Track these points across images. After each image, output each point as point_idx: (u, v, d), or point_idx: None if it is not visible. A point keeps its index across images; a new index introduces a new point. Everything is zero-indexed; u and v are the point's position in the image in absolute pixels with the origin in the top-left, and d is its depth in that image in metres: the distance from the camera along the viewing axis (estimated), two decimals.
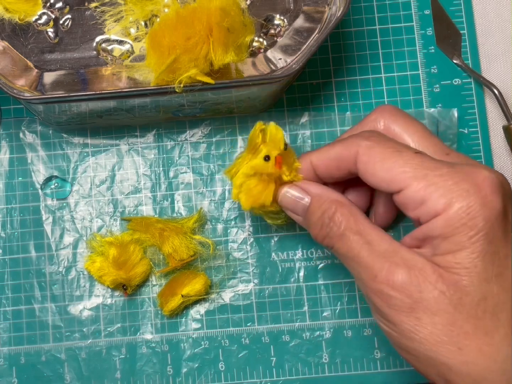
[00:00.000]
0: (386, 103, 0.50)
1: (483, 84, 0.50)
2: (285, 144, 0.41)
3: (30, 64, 0.44)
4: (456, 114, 0.49)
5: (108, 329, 0.48)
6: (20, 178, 0.49)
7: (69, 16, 0.45)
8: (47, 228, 0.49)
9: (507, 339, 0.33)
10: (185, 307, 0.48)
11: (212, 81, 0.40)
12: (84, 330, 0.48)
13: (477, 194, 0.33)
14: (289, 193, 0.41)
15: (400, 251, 0.35)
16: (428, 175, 0.34)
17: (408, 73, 0.51)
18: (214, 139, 0.50)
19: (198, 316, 0.48)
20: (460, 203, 0.33)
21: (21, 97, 0.42)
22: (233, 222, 0.49)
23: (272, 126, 0.41)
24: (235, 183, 0.42)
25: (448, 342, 0.33)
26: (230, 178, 0.43)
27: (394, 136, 0.39)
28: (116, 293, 0.48)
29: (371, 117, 0.41)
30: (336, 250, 0.38)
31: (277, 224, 0.45)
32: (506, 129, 0.49)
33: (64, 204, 0.49)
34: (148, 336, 0.48)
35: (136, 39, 0.45)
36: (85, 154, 0.50)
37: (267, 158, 0.40)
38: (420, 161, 0.35)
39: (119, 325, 0.48)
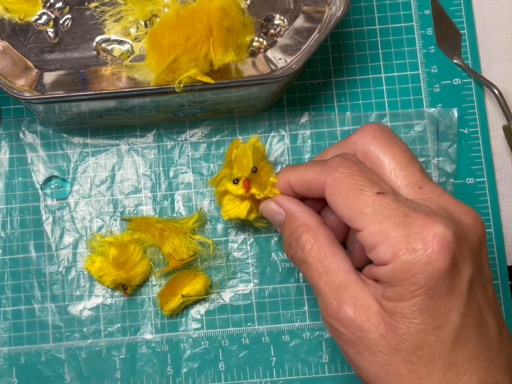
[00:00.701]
0: (386, 103, 0.50)
1: (483, 84, 0.50)
2: (254, 168, 0.43)
3: (30, 64, 0.44)
4: (456, 114, 0.49)
5: (108, 329, 0.48)
6: (20, 178, 0.49)
7: (69, 16, 0.45)
8: (47, 228, 0.49)
9: None
10: (185, 307, 0.48)
11: (212, 81, 0.40)
12: (84, 330, 0.48)
13: (423, 251, 0.33)
14: (268, 205, 0.42)
15: (353, 288, 0.36)
16: (383, 221, 0.35)
17: (408, 73, 0.51)
18: (214, 139, 0.50)
19: (198, 316, 0.48)
20: (405, 257, 0.33)
21: (21, 97, 0.42)
22: (233, 222, 0.49)
23: (240, 150, 0.43)
24: (216, 195, 0.47)
25: (385, 379, 0.35)
26: (214, 187, 0.47)
27: (372, 160, 0.38)
28: (116, 293, 0.48)
29: (353, 139, 0.40)
30: (301, 272, 0.39)
31: (262, 226, 0.47)
32: (506, 129, 0.49)
33: (64, 204, 0.49)
34: (148, 336, 0.48)
35: (136, 39, 0.45)
36: (85, 154, 0.50)
37: (235, 181, 0.43)
38: (378, 205, 0.35)
39: (119, 325, 0.48)
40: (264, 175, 0.43)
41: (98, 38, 0.45)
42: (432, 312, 0.34)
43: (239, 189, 0.43)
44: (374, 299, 0.35)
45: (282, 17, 0.45)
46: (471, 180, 0.50)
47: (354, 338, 0.35)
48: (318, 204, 0.42)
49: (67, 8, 0.45)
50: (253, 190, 0.43)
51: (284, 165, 0.49)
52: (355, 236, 0.39)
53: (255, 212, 0.45)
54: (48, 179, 0.49)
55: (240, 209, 0.44)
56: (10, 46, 0.44)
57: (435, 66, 0.51)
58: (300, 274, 0.48)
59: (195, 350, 0.48)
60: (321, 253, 0.38)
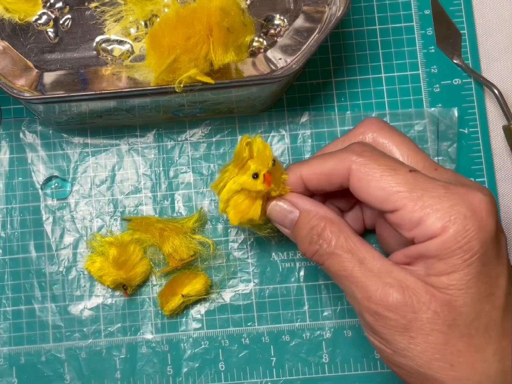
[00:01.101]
0: (386, 103, 0.50)
1: (483, 84, 0.50)
2: (273, 161, 0.40)
3: (30, 64, 0.44)
4: (456, 114, 0.49)
5: (109, 329, 0.48)
6: (20, 178, 0.49)
7: (69, 16, 0.45)
8: (47, 228, 0.49)
9: (498, 355, 0.34)
10: (185, 307, 0.48)
11: (212, 81, 0.40)
12: (85, 330, 0.48)
13: (473, 217, 0.34)
14: (278, 206, 0.41)
15: (393, 271, 0.35)
16: (423, 196, 0.35)
17: (408, 73, 0.51)
18: (214, 139, 0.50)
19: (199, 316, 0.48)
20: (457, 226, 0.34)
21: (21, 97, 0.42)
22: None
23: (259, 142, 0.40)
24: (222, 198, 0.41)
25: (441, 359, 0.34)
26: (217, 193, 0.42)
27: (383, 150, 0.39)
28: (117, 293, 0.48)
29: (359, 130, 0.40)
30: (326, 267, 0.38)
31: (264, 234, 0.45)
32: (506, 129, 0.49)
33: (64, 204, 0.49)
34: (149, 336, 0.48)
35: (136, 39, 0.45)
36: (85, 154, 0.50)
37: (255, 176, 0.40)
38: (415, 181, 0.35)
39: (119, 325, 0.48)
40: (278, 170, 0.41)
41: (98, 38, 0.45)
42: (486, 279, 0.34)
43: (259, 185, 0.39)
44: (418, 279, 0.35)
45: (282, 17, 0.45)
46: (471, 180, 0.50)
47: (405, 322, 0.34)
48: (325, 198, 0.43)
49: (67, 8, 0.45)
50: (272, 184, 0.40)
51: (285, 165, 0.49)
52: (382, 224, 0.42)
53: (263, 218, 0.42)
54: (48, 179, 0.49)
55: (254, 210, 0.41)
56: (10, 46, 0.44)
57: (435, 66, 0.51)
58: (301, 274, 0.48)
59: (195, 350, 0.48)
60: (350, 243, 0.37)
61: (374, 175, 0.36)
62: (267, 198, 0.41)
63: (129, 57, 0.45)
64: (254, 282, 0.49)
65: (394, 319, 0.35)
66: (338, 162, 0.38)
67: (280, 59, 0.44)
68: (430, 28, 0.51)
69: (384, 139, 0.40)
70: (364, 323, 0.37)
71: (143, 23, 0.45)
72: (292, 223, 0.40)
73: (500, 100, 0.49)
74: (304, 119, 0.50)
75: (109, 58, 0.45)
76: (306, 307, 0.48)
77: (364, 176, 0.36)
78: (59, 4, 0.45)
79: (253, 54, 0.45)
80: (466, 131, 0.50)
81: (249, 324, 0.48)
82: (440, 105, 0.50)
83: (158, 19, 0.44)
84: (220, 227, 0.49)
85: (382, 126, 0.40)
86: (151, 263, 0.48)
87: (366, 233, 0.47)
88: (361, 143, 0.39)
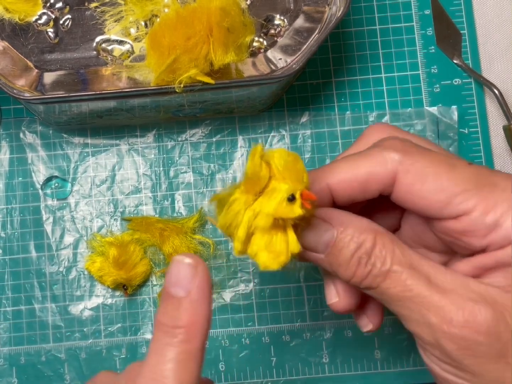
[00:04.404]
0: (386, 103, 0.50)
1: (483, 84, 0.50)
2: (307, 174, 0.31)
3: (30, 64, 0.44)
4: (456, 113, 0.49)
5: (109, 329, 0.48)
6: (20, 179, 0.49)
7: (69, 16, 0.45)
8: (48, 228, 0.49)
9: None
10: None
11: (212, 81, 0.40)
12: (85, 330, 0.48)
13: None
14: (311, 226, 0.32)
15: (470, 284, 0.29)
16: (494, 192, 0.29)
17: (408, 73, 0.51)
18: (214, 139, 0.50)
19: None
20: None
21: (21, 97, 0.42)
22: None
23: (284, 153, 0.31)
24: (240, 237, 0.31)
25: None
26: (227, 232, 0.32)
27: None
28: (117, 293, 0.48)
29: (374, 130, 0.34)
30: (383, 290, 0.30)
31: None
32: (506, 129, 0.49)
33: (65, 204, 0.49)
34: (149, 336, 0.48)
35: (136, 39, 0.45)
36: (85, 154, 0.50)
37: (292, 198, 0.30)
38: (479, 175, 0.30)
39: (119, 325, 0.48)
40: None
41: (98, 38, 0.45)
42: None
43: (297, 208, 0.29)
44: (504, 291, 0.29)
45: (282, 17, 0.45)
46: None
47: (499, 346, 0.28)
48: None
49: (67, 8, 0.45)
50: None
51: None
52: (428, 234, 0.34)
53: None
54: (49, 180, 0.49)
55: (292, 243, 0.30)
56: (10, 46, 0.44)
57: (435, 66, 0.51)
58: (301, 274, 0.48)
59: None
60: (408, 257, 0.30)
61: (429, 175, 0.30)
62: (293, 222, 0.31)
63: (129, 57, 0.45)
64: (254, 282, 0.49)
65: (486, 344, 0.28)
66: (377, 164, 0.31)
67: (280, 59, 0.44)
68: (430, 28, 0.51)
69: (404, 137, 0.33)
70: (440, 354, 0.30)
71: (143, 23, 0.45)
72: (328, 244, 0.31)
73: (500, 100, 0.49)
74: (304, 119, 0.50)
75: (109, 58, 0.45)
76: (306, 307, 0.48)
77: (417, 178, 0.30)
78: (59, 4, 0.45)
79: (253, 54, 0.45)
80: (466, 132, 0.50)
81: (249, 324, 0.48)
82: (440, 105, 0.50)
83: (158, 19, 0.44)
84: None
85: (391, 126, 0.35)
86: (151, 263, 0.48)
87: None
88: (397, 138, 0.32)
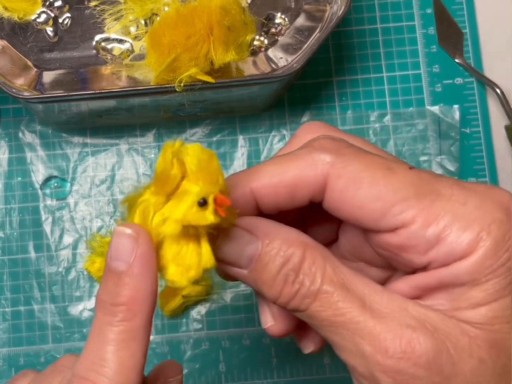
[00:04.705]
0: (387, 102, 0.50)
1: (485, 83, 0.50)
2: (223, 176, 0.27)
3: (29, 63, 0.44)
4: (457, 112, 0.49)
5: None
6: (19, 178, 0.49)
7: (69, 14, 0.45)
8: (47, 228, 0.49)
9: None
10: (186, 307, 0.48)
11: (212, 81, 0.40)
12: (84, 330, 0.48)
13: (510, 221, 0.25)
14: (231, 237, 0.27)
15: (409, 307, 0.26)
16: (436, 201, 0.25)
17: (410, 72, 0.50)
18: (214, 138, 0.50)
19: (199, 317, 0.48)
20: (494, 236, 0.25)
21: (20, 96, 0.42)
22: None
23: (198, 150, 0.27)
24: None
25: None
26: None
27: None
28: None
29: (307, 129, 0.31)
30: (312, 313, 0.26)
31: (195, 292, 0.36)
32: (508, 129, 0.49)
33: (64, 204, 0.49)
34: None
35: (136, 38, 0.45)
36: (84, 154, 0.49)
37: (203, 202, 0.25)
38: (420, 181, 0.26)
39: None
40: (225, 191, 0.27)
41: (97, 37, 0.45)
42: None
43: (209, 214, 0.25)
44: (445, 315, 0.25)
45: (283, 16, 0.45)
46: (473, 180, 0.49)
47: (440, 380, 0.25)
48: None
49: (67, 6, 0.45)
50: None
51: None
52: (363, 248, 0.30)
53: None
54: (48, 179, 0.49)
55: (205, 255, 0.26)
56: (9, 45, 0.44)
57: (436, 66, 0.51)
58: None
59: (196, 351, 0.48)
60: (340, 275, 0.26)
61: (364, 180, 0.26)
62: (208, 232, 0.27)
63: (129, 56, 0.45)
64: None
65: (425, 378, 0.24)
66: (306, 167, 0.27)
67: (281, 58, 0.44)
68: (432, 27, 0.51)
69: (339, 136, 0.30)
70: None
71: (143, 21, 0.45)
72: (252, 259, 0.27)
73: (502, 99, 0.49)
74: (305, 118, 0.50)
75: (109, 57, 0.45)
76: None
77: (349, 183, 0.26)
78: (59, 3, 0.45)
79: (254, 53, 0.45)
80: (468, 131, 0.50)
81: (249, 325, 0.48)
82: (441, 104, 0.50)
83: (158, 18, 0.44)
84: None
85: (326, 125, 0.31)
86: None
87: None
88: (330, 137, 0.29)
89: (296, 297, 0.26)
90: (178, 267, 0.26)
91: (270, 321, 0.30)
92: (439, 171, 0.49)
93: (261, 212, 0.29)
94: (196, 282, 0.26)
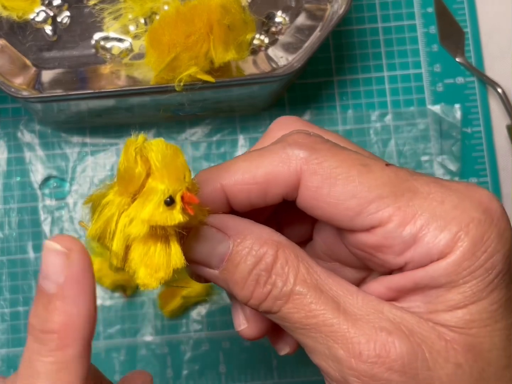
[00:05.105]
0: (388, 102, 0.50)
1: (487, 83, 0.50)
2: (190, 171, 0.26)
3: (28, 62, 0.44)
4: (459, 112, 0.49)
5: (108, 330, 0.48)
6: (18, 178, 0.49)
7: (68, 13, 0.45)
8: (46, 228, 0.48)
9: None
10: (186, 308, 0.48)
11: (212, 80, 0.40)
12: None
13: (489, 221, 0.24)
14: (200, 236, 0.27)
15: (384, 309, 0.25)
16: (413, 200, 0.25)
17: (411, 71, 0.50)
18: (214, 138, 0.49)
19: (199, 318, 0.48)
20: (472, 236, 0.24)
21: (19, 96, 0.42)
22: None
23: (162, 145, 0.25)
24: (117, 251, 0.25)
25: None
26: (98, 242, 0.26)
27: None
28: (116, 295, 0.48)
29: (280, 123, 0.31)
30: (284, 315, 0.26)
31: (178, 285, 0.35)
32: (510, 128, 0.49)
33: (63, 204, 0.49)
34: (148, 338, 0.48)
35: (135, 37, 0.45)
36: (84, 153, 0.49)
37: (170, 201, 0.24)
38: (397, 179, 0.25)
39: (118, 326, 0.48)
40: (193, 188, 0.26)
41: (97, 36, 0.45)
42: (511, 305, 0.25)
43: (177, 214, 0.24)
44: (422, 318, 0.25)
45: (283, 15, 0.45)
46: (475, 180, 0.49)
47: None
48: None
49: (66, 5, 0.45)
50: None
51: None
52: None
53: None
54: (47, 179, 0.49)
55: (175, 255, 0.25)
56: (8, 44, 0.44)
57: (438, 65, 0.50)
58: None
59: (196, 352, 0.47)
60: (314, 275, 0.25)
61: (339, 177, 0.25)
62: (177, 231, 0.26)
63: (128, 55, 0.44)
64: None
65: (400, 382, 0.24)
66: (279, 162, 0.26)
67: (281, 57, 0.44)
68: (433, 27, 0.51)
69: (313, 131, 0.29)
70: None
71: (142, 20, 0.44)
72: (223, 258, 0.26)
73: (504, 99, 0.49)
74: (305, 118, 0.50)
75: (108, 56, 0.45)
76: None
77: (324, 180, 0.25)
78: (58, 2, 0.45)
79: (254, 52, 0.44)
80: (469, 131, 0.50)
81: None
82: (443, 104, 0.50)
83: (157, 17, 0.44)
84: None
85: (298, 119, 0.31)
86: None
87: None
88: (304, 131, 0.28)
89: (268, 299, 0.26)
90: (147, 268, 0.25)
91: (243, 324, 0.30)
92: (440, 171, 0.48)
93: (233, 210, 0.28)
94: (168, 283, 0.26)
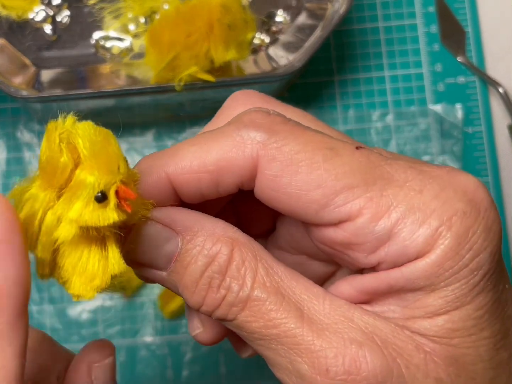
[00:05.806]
0: (389, 102, 0.50)
1: (488, 82, 0.50)
2: (126, 160, 0.22)
3: (28, 62, 0.44)
4: (460, 111, 0.49)
5: (108, 331, 0.47)
6: (17, 178, 0.49)
7: (67, 13, 0.45)
8: None
9: None
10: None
11: (212, 79, 0.40)
12: (83, 332, 0.47)
13: (475, 213, 0.21)
14: (144, 234, 0.23)
15: (354, 316, 0.22)
16: (388, 189, 0.21)
17: (412, 71, 0.50)
18: None
19: None
20: (455, 232, 0.21)
21: (19, 95, 0.42)
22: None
23: (90, 129, 0.22)
24: (43, 258, 0.21)
25: None
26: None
27: None
28: (116, 295, 0.48)
29: (236, 99, 0.27)
30: (240, 324, 0.22)
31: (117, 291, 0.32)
32: (511, 128, 0.49)
33: None
34: (148, 339, 0.47)
35: (135, 36, 0.44)
36: None
37: (101, 197, 0.20)
38: (369, 164, 0.22)
39: (118, 327, 0.48)
40: (130, 179, 0.22)
41: (96, 36, 0.45)
42: (498, 311, 0.22)
43: (111, 212, 0.20)
44: (397, 326, 0.21)
45: (284, 14, 0.45)
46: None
47: None
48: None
49: (65, 4, 0.45)
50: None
51: None
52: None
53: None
54: None
55: (113, 259, 0.21)
56: (7, 43, 0.44)
57: (439, 65, 0.50)
58: None
59: (196, 353, 0.47)
60: (275, 277, 0.22)
61: (301, 164, 0.22)
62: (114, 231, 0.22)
63: (128, 54, 0.44)
64: None
65: None
66: (232, 147, 0.23)
67: (282, 57, 0.44)
68: (434, 26, 0.50)
69: (273, 108, 0.25)
70: None
71: (142, 19, 0.44)
72: (171, 258, 0.23)
73: (505, 99, 0.49)
74: None
75: (108, 56, 0.44)
76: None
77: (284, 167, 0.22)
78: (57, 1, 0.45)
79: (255, 51, 0.44)
80: (470, 131, 0.49)
81: None
82: (444, 103, 0.49)
83: (157, 16, 0.44)
84: None
85: (256, 93, 0.27)
86: None
87: None
88: (262, 109, 0.24)
89: (222, 305, 0.22)
90: (80, 277, 0.21)
91: (198, 327, 0.27)
92: None
93: (182, 202, 0.24)
94: (107, 291, 0.22)
